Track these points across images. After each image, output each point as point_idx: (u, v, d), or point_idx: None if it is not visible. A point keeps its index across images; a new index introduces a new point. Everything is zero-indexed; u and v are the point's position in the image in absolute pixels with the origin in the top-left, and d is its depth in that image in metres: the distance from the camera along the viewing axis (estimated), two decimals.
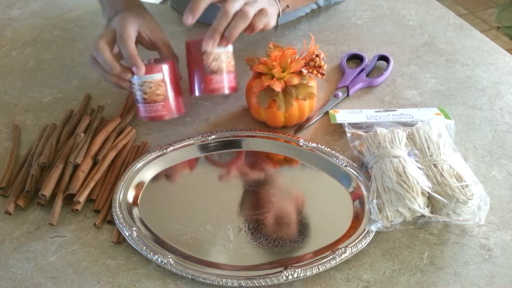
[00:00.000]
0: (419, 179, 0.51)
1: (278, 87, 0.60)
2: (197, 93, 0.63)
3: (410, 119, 0.63)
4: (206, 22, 0.59)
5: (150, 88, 0.60)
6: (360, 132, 0.60)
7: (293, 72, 0.61)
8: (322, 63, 0.62)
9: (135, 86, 0.61)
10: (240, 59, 0.66)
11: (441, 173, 0.51)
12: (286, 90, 0.61)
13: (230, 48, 0.61)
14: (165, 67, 0.60)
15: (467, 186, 0.50)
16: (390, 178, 0.51)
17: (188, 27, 0.58)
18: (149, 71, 0.59)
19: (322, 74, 0.63)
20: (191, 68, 0.63)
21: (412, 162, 0.53)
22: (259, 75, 0.63)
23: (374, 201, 0.51)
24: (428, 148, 0.55)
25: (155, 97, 0.61)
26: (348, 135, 0.61)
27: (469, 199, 0.49)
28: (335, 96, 0.69)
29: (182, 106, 0.65)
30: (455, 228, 0.52)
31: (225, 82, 0.62)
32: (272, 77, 0.61)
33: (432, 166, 0.53)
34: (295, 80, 0.60)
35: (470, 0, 2.41)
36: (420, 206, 0.49)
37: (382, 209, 0.50)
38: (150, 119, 0.63)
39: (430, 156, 0.54)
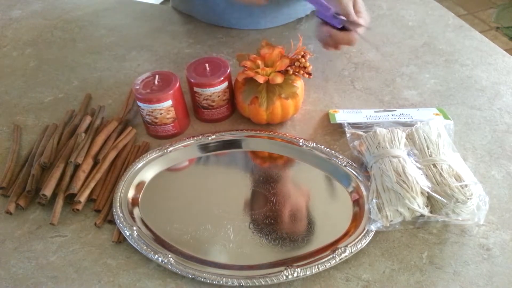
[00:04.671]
0: (419, 179, 0.51)
1: (260, 79, 0.60)
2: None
3: (409, 119, 0.63)
4: (218, 24, 0.60)
5: (161, 114, 0.62)
6: (360, 132, 0.60)
7: (279, 71, 0.61)
8: (308, 64, 0.62)
9: (145, 112, 0.62)
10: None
11: (440, 173, 0.52)
12: (269, 89, 0.62)
13: (224, 85, 0.64)
14: (173, 93, 0.61)
15: (466, 186, 0.50)
16: (390, 178, 0.51)
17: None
18: (158, 100, 0.60)
19: (309, 74, 0.62)
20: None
21: (411, 162, 0.53)
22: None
23: (374, 200, 0.51)
24: (428, 148, 0.55)
25: (165, 120, 0.63)
26: (348, 135, 0.61)
27: (468, 199, 0.49)
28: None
29: (189, 119, 0.68)
30: (455, 228, 0.52)
31: (215, 115, 0.66)
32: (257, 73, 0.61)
33: (432, 166, 0.53)
34: (279, 79, 0.61)
35: (469, 1, 2.41)
36: (419, 205, 0.50)
37: (382, 209, 0.50)
38: (161, 138, 0.65)
39: (430, 156, 0.54)
